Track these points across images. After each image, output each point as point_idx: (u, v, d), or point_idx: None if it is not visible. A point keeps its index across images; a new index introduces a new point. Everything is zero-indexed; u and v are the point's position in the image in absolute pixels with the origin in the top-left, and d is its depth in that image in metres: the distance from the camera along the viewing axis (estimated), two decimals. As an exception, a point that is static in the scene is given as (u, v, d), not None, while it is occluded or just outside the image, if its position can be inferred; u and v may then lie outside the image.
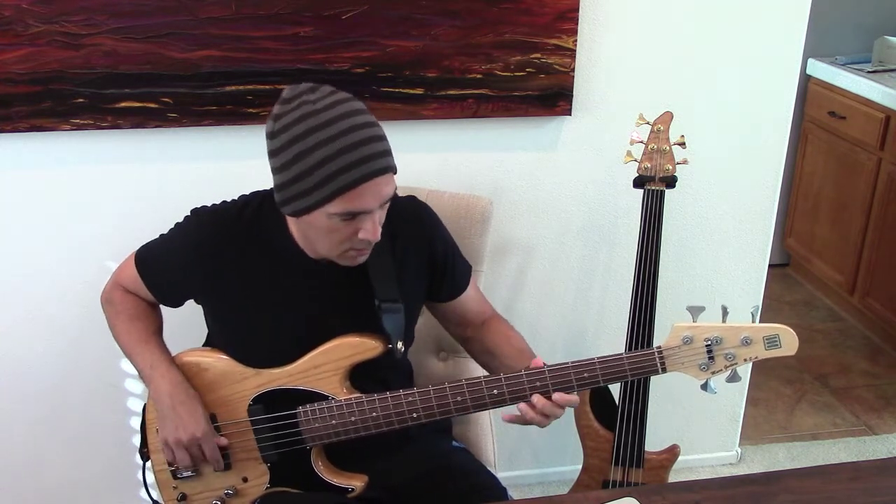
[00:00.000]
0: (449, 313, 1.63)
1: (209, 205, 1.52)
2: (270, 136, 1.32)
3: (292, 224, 1.45)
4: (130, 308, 1.57)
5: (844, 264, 3.41)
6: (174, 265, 1.51)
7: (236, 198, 1.52)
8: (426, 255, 1.54)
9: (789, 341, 1.28)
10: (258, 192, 1.52)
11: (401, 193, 1.77)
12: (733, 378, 1.32)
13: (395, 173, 1.35)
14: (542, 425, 1.38)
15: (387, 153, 1.32)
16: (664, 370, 1.33)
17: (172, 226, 1.53)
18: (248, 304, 1.47)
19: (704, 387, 1.33)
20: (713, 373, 1.31)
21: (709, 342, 1.29)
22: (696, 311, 1.31)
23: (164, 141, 1.97)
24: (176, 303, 1.58)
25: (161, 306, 1.61)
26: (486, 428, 1.87)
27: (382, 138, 1.33)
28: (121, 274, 1.60)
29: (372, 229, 1.34)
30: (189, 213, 1.51)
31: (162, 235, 1.55)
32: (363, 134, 1.29)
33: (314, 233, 1.38)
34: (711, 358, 1.30)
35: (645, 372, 1.34)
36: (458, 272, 1.60)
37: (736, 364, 1.30)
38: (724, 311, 1.31)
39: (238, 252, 1.46)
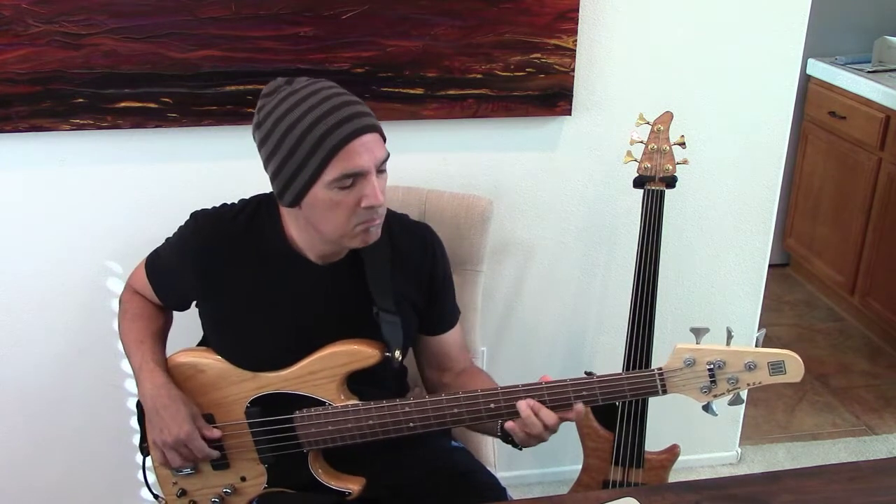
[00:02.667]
0: (428, 351, 1.61)
1: (209, 207, 1.52)
2: (256, 127, 1.36)
3: (292, 224, 1.44)
4: (135, 308, 1.58)
5: (844, 264, 3.41)
6: (174, 267, 1.52)
7: (236, 201, 1.52)
8: (425, 279, 1.53)
9: (795, 368, 1.25)
10: (257, 195, 1.52)
11: (401, 193, 1.78)
12: (735, 401, 1.30)
13: (384, 139, 1.36)
14: (532, 432, 1.33)
15: (371, 115, 1.34)
16: (664, 392, 1.30)
17: (177, 228, 1.54)
18: (244, 307, 1.47)
19: (706, 408, 1.30)
20: (715, 396, 1.28)
21: (711, 366, 1.26)
22: (699, 332, 1.29)
23: (164, 141, 1.97)
24: (180, 306, 1.59)
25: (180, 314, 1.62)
26: (486, 428, 1.87)
27: (364, 105, 1.36)
28: (133, 276, 1.62)
29: (372, 193, 1.32)
30: (189, 217, 1.52)
31: (167, 239, 1.55)
32: (344, 99, 1.33)
33: (319, 216, 1.36)
34: (714, 381, 1.27)
35: (645, 393, 1.31)
36: (448, 308, 1.60)
37: (739, 388, 1.27)
38: (729, 335, 1.28)
39: (235, 255, 1.46)
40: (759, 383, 1.26)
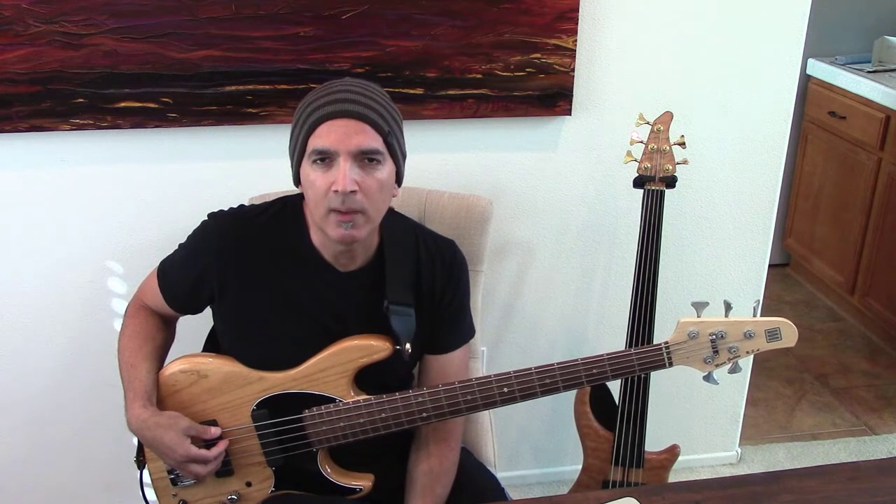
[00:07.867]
0: (424, 373, 1.57)
1: (226, 209, 1.51)
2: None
3: (312, 225, 1.44)
4: (134, 325, 1.54)
5: (844, 264, 3.41)
6: (191, 269, 1.49)
7: (256, 203, 1.52)
8: (446, 292, 1.52)
9: (789, 333, 1.35)
10: (282, 196, 1.52)
11: (401, 194, 1.77)
12: (734, 369, 1.38)
13: (382, 134, 1.33)
14: None
15: (366, 107, 1.33)
16: (671, 364, 1.37)
17: (191, 231, 1.52)
18: (263, 307, 1.46)
19: (707, 378, 1.38)
20: (717, 365, 1.37)
21: (713, 336, 1.35)
22: (700, 306, 1.37)
23: (164, 141, 1.97)
24: (194, 309, 1.55)
25: (177, 322, 1.61)
26: (486, 428, 1.87)
27: (372, 98, 1.35)
28: (141, 288, 1.59)
29: (340, 178, 1.30)
30: (206, 218, 1.50)
31: (181, 245, 1.53)
32: (349, 87, 1.35)
33: (307, 197, 1.38)
34: (716, 351, 1.36)
35: (653, 366, 1.37)
36: (462, 326, 1.56)
37: (738, 356, 1.36)
38: (728, 306, 1.37)
39: (256, 253, 1.45)
40: (758, 350, 1.36)
